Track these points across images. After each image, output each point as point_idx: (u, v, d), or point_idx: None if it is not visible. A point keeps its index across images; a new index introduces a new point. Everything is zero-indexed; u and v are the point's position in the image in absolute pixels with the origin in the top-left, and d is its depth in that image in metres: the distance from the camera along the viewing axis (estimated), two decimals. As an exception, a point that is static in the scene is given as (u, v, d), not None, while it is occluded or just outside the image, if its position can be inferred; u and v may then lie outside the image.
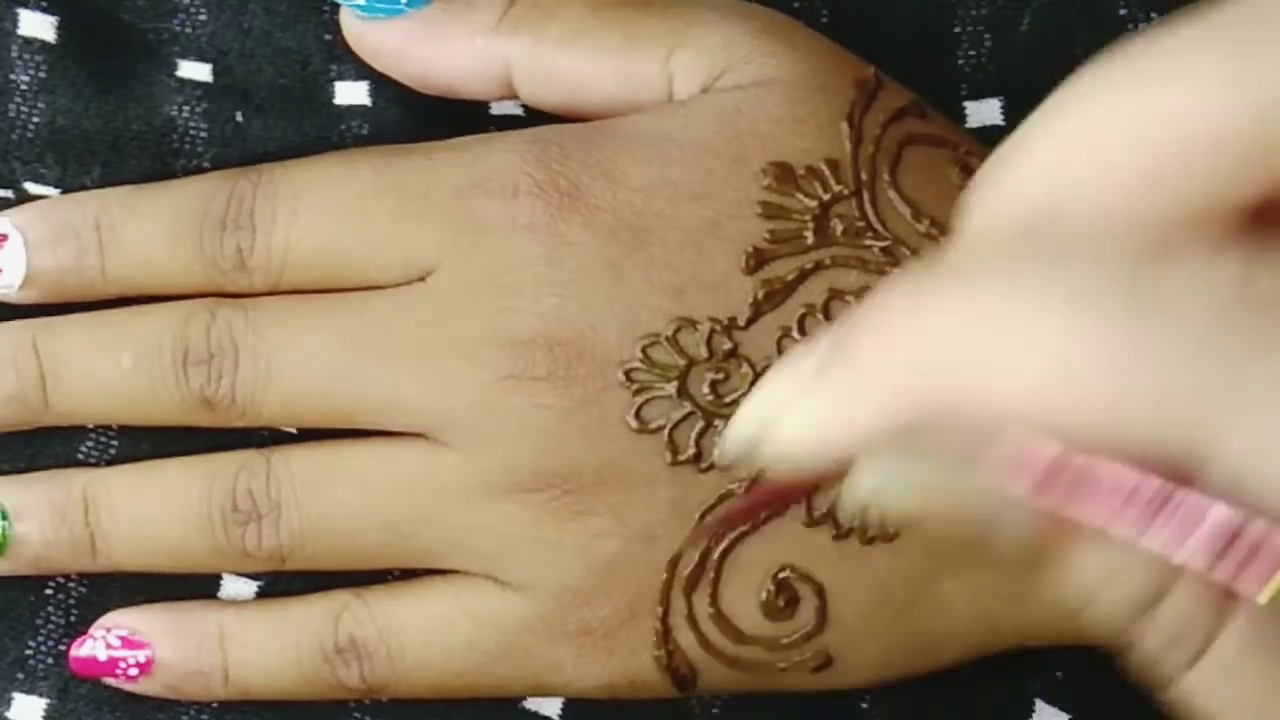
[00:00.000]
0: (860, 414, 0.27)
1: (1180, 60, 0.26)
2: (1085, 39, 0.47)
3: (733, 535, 0.42)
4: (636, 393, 0.42)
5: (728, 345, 0.42)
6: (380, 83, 0.46)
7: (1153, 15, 0.47)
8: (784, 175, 0.43)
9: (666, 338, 0.42)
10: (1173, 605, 0.29)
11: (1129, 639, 0.30)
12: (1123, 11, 0.47)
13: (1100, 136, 0.27)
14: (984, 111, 0.48)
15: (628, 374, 0.42)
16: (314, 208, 0.44)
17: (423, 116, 0.46)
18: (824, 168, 0.43)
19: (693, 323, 0.42)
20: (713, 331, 0.42)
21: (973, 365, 0.26)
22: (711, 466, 0.42)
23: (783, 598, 0.43)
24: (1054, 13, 0.47)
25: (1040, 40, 0.47)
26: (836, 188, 0.43)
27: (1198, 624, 0.29)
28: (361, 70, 0.46)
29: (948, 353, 0.26)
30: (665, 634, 0.43)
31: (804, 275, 0.42)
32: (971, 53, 0.48)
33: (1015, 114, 0.48)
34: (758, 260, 0.43)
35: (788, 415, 0.28)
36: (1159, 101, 0.26)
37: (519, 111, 0.47)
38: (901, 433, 0.26)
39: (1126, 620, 0.30)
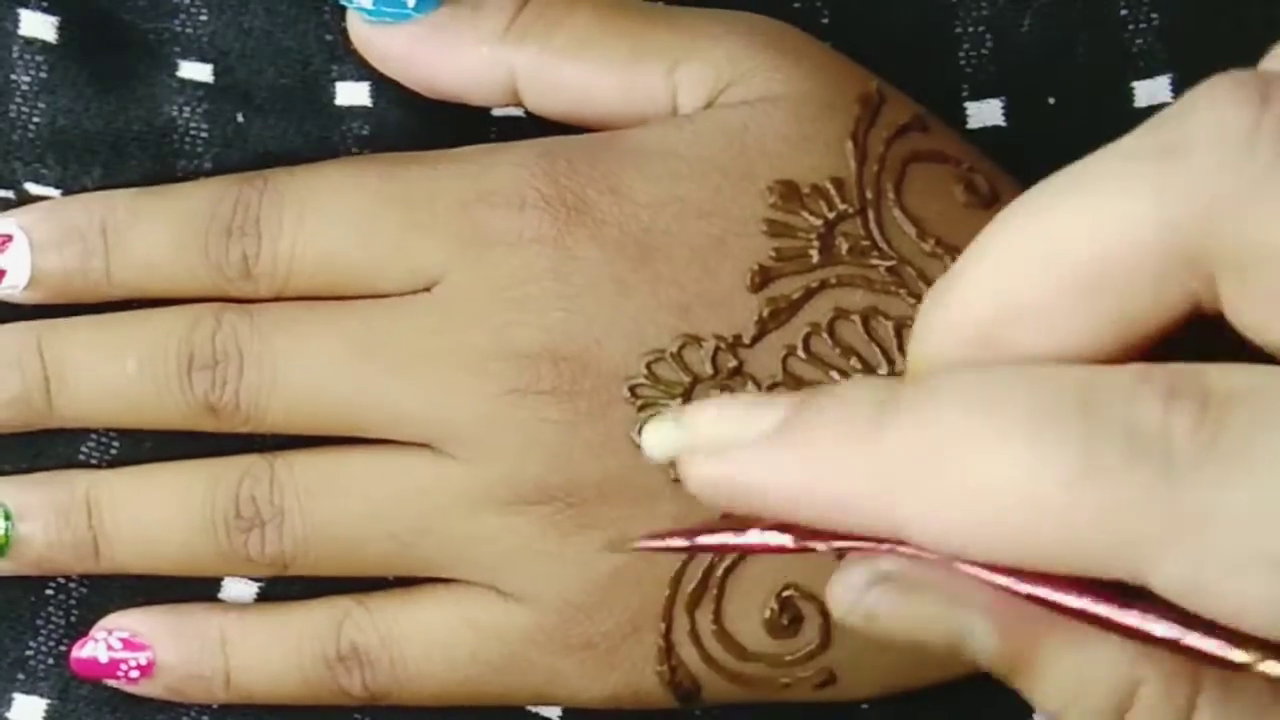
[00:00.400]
0: (815, 504, 0.28)
1: (1108, 182, 0.27)
2: (1085, 39, 0.47)
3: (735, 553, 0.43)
4: (641, 408, 0.42)
5: (733, 363, 0.42)
6: (381, 84, 0.46)
7: (1153, 16, 0.47)
8: (790, 193, 0.43)
9: (671, 354, 0.42)
10: (1137, 714, 0.30)
11: None
12: (1123, 11, 0.47)
13: (1034, 258, 0.28)
14: (985, 112, 0.48)
15: (632, 390, 0.42)
16: (320, 216, 0.44)
17: (424, 117, 0.46)
18: (829, 186, 0.43)
19: (698, 340, 0.42)
20: (718, 349, 0.42)
21: (932, 487, 0.27)
22: None
23: (786, 616, 0.43)
24: (1054, 13, 0.47)
25: (1041, 41, 0.47)
26: (842, 206, 0.43)
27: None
28: (363, 71, 0.46)
29: (906, 473, 0.27)
30: (668, 650, 0.43)
31: (809, 294, 0.43)
32: (972, 53, 0.47)
33: (1016, 114, 0.48)
34: (763, 278, 0.43)
35: (733, 455, 0.29)
36: (1084, 223, 0.27)
37: (520, 114, 0.47)
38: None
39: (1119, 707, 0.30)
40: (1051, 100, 0.47)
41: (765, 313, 0.42)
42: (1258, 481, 0.25)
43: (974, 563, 0.27)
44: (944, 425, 0.27)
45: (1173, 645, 0.27)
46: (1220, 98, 0.27)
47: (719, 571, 0.43)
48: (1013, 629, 0.29)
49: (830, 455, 0.28)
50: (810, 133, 0.43)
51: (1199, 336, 0.28)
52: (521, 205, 0.43)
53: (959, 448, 0.27)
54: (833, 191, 0.43)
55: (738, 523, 0.30)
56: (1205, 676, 0.28)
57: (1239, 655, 0.26)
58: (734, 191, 0.43)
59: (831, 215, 0.43)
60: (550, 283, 0.42)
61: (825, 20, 0.47)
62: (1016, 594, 0.27)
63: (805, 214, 0.43)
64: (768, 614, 0.43)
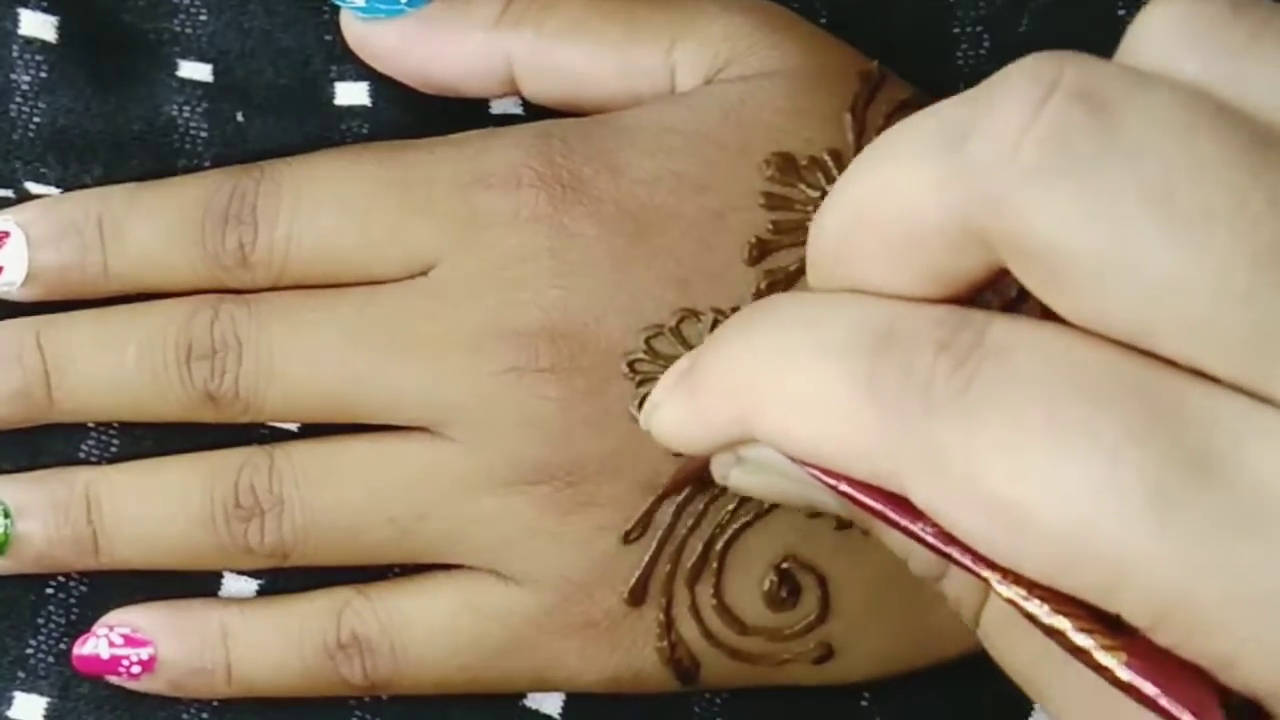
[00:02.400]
0: (696, 428, 0.32)
1: (907, 150, 0.29)
2: (1084, 40, 0.47)
3: (735, 526, 0.43)
4: (640, 384, 0.42)
5: (731, 336, 0.42)
6: (380, 83, 0.46)
7: (1152, 16, 0.47)
8: (787, 166, 0.43)
9: (670, 329, 0.42)
10: (953, 576, 0.35)
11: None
12: (1121, 11, 0.47)
13: (857, 205, 0.30)
14: (983, 112, 0.48)
15: (631, 365, 0.42)
16: (316, 203, 0.44)
17: (423, 116, 0.46)
18: (827, 158, 0.43)
19: (696, 314, 0.42)
20: (716, 322, 0.42)
21: (756, 399, 0.30)
22: None
23: (785, 588, 0.43)
24: (1053, 13, 0.47)
25: (1039, 40, 0.47)
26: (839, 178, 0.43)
27: (972, 591, 0.34)
28: (362, 70, 0.46)
29: (741, 384, 0.31)
30: (668, 625, 0.43)
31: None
32: (970, 53, 0.48)
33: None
34: (760, 251, 0.43)
35: (656, 412, 0.33)
36: (885, 186, 0.29)
37: (519, 110, 0.47)
38: (733, 440, 0.31)
39: (930, 581, 0.35)
40: None
41: (763, 285, 0.42)
42: (987, 430, 0.27)
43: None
44: (774, 341, 0.30)
45: (943, 554, 0.29)
46: (1008, 90, 0.28)
47: (719, 545, 0.43)
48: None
49: (706, 380, 0.31)
50: (807, 106, 0.43)
51: None
52: (518, 184, 0.43)
53: (781, 361, 0.30)
54: (830, 164, 0.43)
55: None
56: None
57: (984, 572, 0.28)
58: (731, 165, 0.43)
59: (829, 187, 0.43)
60: (547, 261, 0.43)
61: (823, 20, 0.47)
62: (831, 487, 0.30)
63: (803, 186, 0.43)
64: (767, 586, 0.43)
